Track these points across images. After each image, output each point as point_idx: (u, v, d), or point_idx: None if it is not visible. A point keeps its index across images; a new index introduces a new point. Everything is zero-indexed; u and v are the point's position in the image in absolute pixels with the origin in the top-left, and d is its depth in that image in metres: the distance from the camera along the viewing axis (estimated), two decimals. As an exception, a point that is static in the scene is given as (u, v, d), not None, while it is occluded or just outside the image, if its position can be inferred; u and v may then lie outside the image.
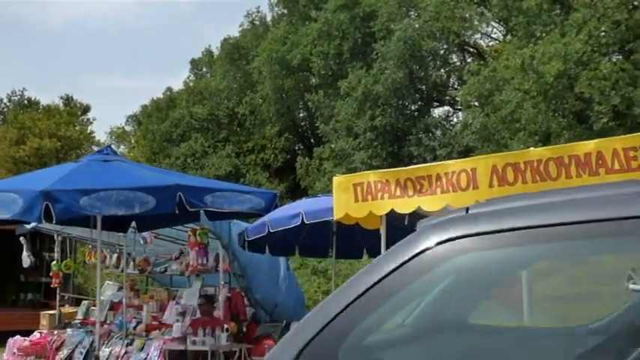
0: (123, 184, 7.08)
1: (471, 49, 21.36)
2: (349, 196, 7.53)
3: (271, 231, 8.31)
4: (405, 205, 7.15)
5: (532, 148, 6.39)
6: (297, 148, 26.40)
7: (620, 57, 12.78)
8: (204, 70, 30.65)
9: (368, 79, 18.79)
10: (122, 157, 10.11)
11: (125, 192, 6.89)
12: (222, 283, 10.01)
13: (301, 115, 25.53)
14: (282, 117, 24.56)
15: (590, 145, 6.11)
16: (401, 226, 8.57)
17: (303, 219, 8.01)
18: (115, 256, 11.72)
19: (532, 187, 6.36)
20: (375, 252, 10.45)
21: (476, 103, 16.79)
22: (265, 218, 8.50)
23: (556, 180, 6.24)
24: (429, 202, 6.98)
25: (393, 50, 18.00)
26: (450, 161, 7.00)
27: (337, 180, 7.71)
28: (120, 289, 12.23)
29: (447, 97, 21.93)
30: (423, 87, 20.64)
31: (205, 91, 27.13)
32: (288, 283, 11.72)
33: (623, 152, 5.93)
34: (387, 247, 8.52)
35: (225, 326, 9.31)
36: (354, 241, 10.26)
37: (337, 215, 7.56)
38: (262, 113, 25.09)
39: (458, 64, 21.27)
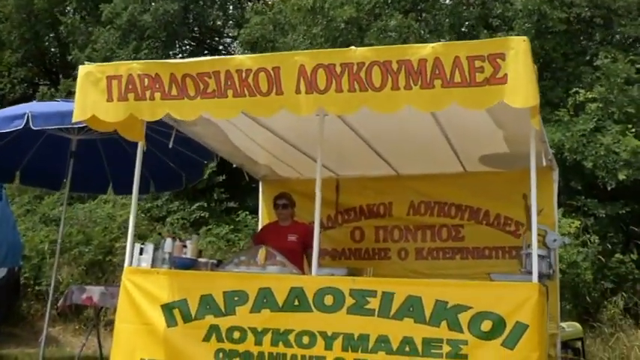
0: None
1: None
2: (100, 94, 5.50)
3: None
4: (185, 110, 5.34)
5: (353, 47, 4.92)
6: (40, 80, 22.72)
7: (413, 14, 12.09)
8: None
9: (135, 6, 16.37)
10: None
11: None
12: None
13: (51, 43, 21.96)
14: (28, 43, 20.90)
15: (426, 50, 4.78)
16: (165, 147, 6.73)
17: (29, 121, 5.78)
18: None
19: (349, 96, 4.94)
20: (123, 186, 8.50)
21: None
22: (-25, 118, 6.10)
23: (380, 90, 4.86)
24: (218, 107, 5.26)
25: (167, -22, 15.86)
26: (242, 56, 5.31)
27: (84, 70, 5.62)
28: None
29: (222, 46, 20.21)
30: (197, 28, 18.69)
31: None
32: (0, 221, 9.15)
33: (467, 62, 4.69)
34: (151, 177, 6.73)
35: None
36: (99, 168, 8.14)
37: (79, 116, 5.49)
38: (2, 36, 21.13)
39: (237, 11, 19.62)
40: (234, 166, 8.38)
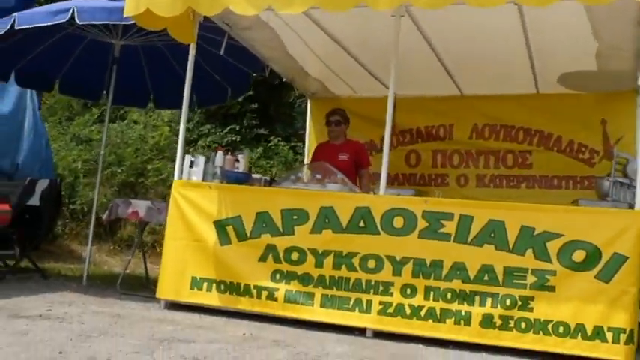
0: None
1: None
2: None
3: (19, 28, 5.41)
4: (244, 3, 4.81)
5: None
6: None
7: None
8: None
9: None
10: None
11: None
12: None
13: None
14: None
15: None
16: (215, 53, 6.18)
17: (74, 14, 5.25)
18: None
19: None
20: (164, 99, 8.04)
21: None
22: (15, 14, 5.59)
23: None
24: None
25: None
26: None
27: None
28: None
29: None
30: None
31: None
32: (34, 138, 8.75)
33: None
34: (195, 91, 6.23)
35: None
36: (140, 79, 7.63)
37: (132, 10, 4.97)
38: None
39: None
40: (284, 79, 7.85)
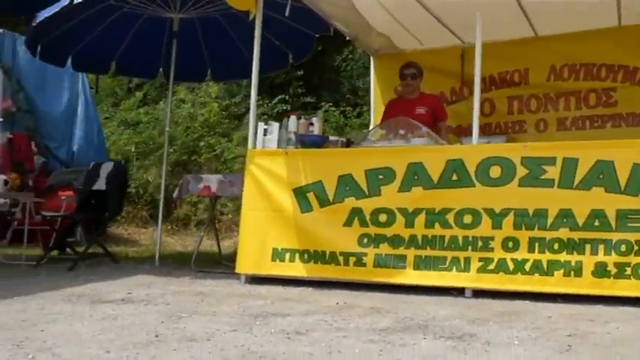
0: None
1: None
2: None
3: (77, 2, 5.18)
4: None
5: None
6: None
7: None
8: None
9: None
10: None
11: None
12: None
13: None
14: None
15: None
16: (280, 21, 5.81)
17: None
18: None
19: None
20: (223, 71, 7.77)
21: None
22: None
23: None
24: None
25: None
26: None
27: None
28: None
29: None
30: None
31: None
32: (87, 125, 8.63)
33: None
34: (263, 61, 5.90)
35: (4, 178, 6.40)
36: (197, 53, 7.37)
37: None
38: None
39: None
40: (347, 39, 7.49)
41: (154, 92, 13.12)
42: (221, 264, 6.08)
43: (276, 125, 5.28)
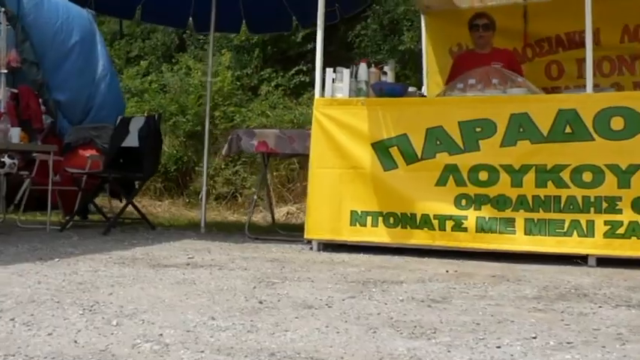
0: None
1: None
2: None
3: None
4: None
5: None
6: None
7: None
8: None
9: None
10: None
11: None
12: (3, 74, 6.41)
13: None
14: None
15: None
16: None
17: None
18: None
19: None
20: (259, 23, 7.02)
21: None
22: None
23: None
24: None
25: None
26: None
27: None
28: None
29: None
30: None
31: None
32: (105, 79, 7.81)
33: None
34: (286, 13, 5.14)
35: (19, 130, 5.73)
36: (230, 3, 6.60)
37: None
38: None
39: None
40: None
41: (157, 62, 12.35)
42: (274, 232, 5.44)
43: (346, 71, 4.62)
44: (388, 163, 4.34)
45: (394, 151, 4.33)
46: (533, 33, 6.65)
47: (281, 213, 7.73)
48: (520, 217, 4.04)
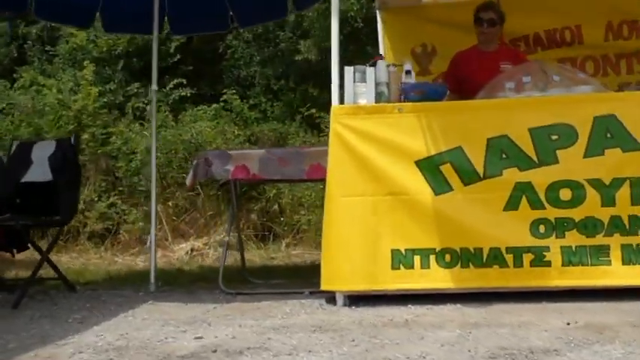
0: None
1: None
2: None
3: None
4: None
5: None
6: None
7: None
8: None
9: None
10: None
11: None
12: None
13: None
14: None
15: None
16: None
17: None
18: None
19: None
20: (247, 17, 5.71)
21: None
22: None
23: None
24: None
25: None
26: None
27: None
28: None
29: None
30: None
31: None
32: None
33: None
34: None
35: None
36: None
37: None
38: None
39: None
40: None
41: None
42: (247, 281, 4.29)
43: (370, 70, 3.62)
44: (440, 186, 3.38)
45: (447, 170, 3.39)
46: (507, 31, 5.93)
47: (182, 252, 6.53)
48: (615, 244, 3.25)
